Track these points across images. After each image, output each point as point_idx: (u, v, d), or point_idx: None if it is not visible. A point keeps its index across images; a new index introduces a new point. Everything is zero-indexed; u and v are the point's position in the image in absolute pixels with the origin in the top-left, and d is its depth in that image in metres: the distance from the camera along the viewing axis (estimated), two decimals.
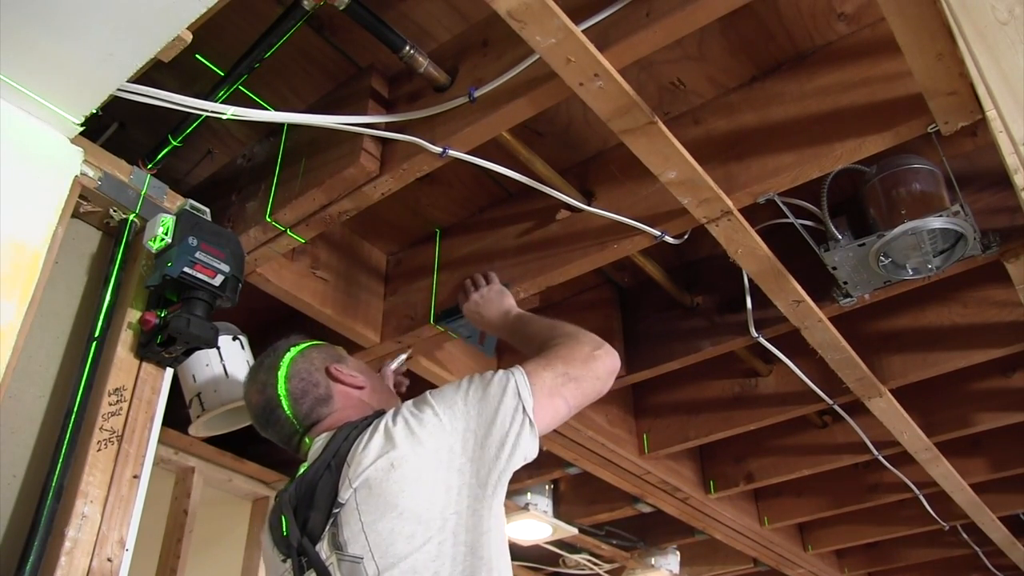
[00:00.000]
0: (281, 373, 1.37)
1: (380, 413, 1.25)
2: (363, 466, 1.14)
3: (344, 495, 1.14)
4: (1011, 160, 1.35)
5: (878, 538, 3.56)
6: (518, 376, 1.23)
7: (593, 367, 1.32)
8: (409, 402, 1.24)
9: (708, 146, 1.70)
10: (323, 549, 1.14)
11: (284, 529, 1.22)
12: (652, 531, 3.60)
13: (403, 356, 1.77)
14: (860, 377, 2.16)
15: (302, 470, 1.27)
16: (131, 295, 1.49)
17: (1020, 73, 1.24)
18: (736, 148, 1.68)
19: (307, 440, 1.34)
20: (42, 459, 1.34)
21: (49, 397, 1.40)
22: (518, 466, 1.20)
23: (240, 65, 1.49)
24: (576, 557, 3.64)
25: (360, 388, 1.40)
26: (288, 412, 1.35)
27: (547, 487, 3.16)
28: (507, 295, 1.74)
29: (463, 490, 1.15)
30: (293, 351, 1.41)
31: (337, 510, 1.14)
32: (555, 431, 2.42)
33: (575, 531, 3.21)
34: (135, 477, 1.39)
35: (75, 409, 1.37)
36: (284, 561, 1.21)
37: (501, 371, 1.25)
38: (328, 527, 1.15)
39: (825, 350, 2.06)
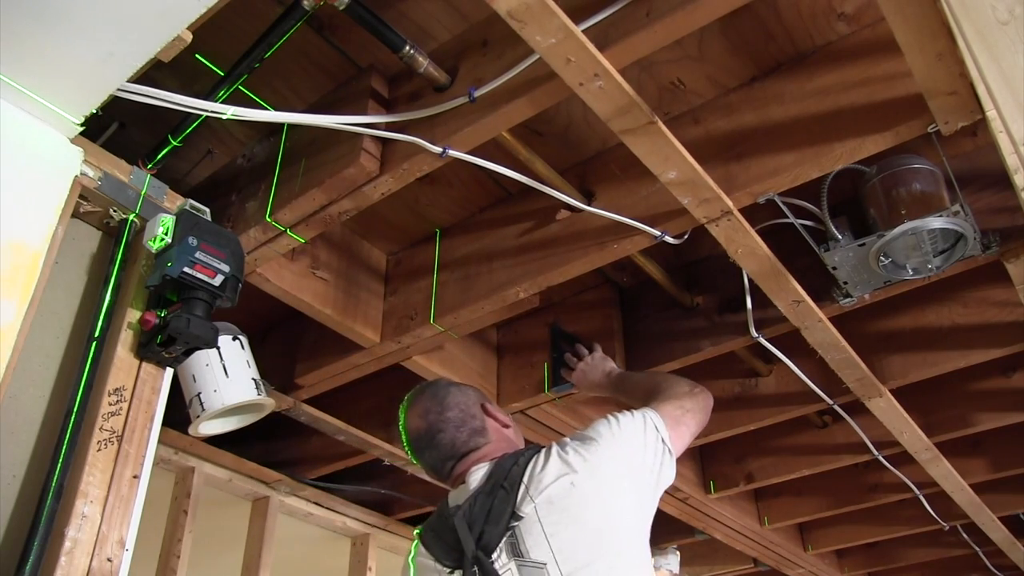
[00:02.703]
0: (446, 402, 1.54)
1: (539, 447, 1.43)
2: (544, 484, 1.32)
3: (525, 509, 1.31)
4: (1011, 160, 1.35)
5: (878, 538, 3.55)
6: (651, 414, 1.48)
7: (697, 400, 1.62)
8: (568, 438, 1.43)
9: (708, 146, 1.70)
10: (500, 558, 1.30)
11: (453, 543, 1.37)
12: (652, 531, 3.58)
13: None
14: (860, 377, 2.16)
15: (456, 493, 1.45)
16: (131, 295, 1.49)
17: (1020, 73, 1.24)
18: (736, 148, 1.68)
19: (455, 468, 1.49)
20: (42, 459, 1.34)
21: (49, 397, 1.40)
22: (665, 488, 1.44)
23: (240, 65, 1.49)
24: None
25: (507, 427, 1.59)
26: (449, 438, 1.50)
27: None
28: (608, 360, 2.03)
29: (630, 509, 1.36)
30: (451, 386, 1.60)
31: (515, 523, 1.31)
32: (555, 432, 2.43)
33: None
34: (135, 477, 1.39)
35: (75, 409, 1.37)
36: (452, 573, 1.37)
37: (637, 411, 1.49)
38: (506, 538, 1.31)
39: (825, 350, 2.06)
